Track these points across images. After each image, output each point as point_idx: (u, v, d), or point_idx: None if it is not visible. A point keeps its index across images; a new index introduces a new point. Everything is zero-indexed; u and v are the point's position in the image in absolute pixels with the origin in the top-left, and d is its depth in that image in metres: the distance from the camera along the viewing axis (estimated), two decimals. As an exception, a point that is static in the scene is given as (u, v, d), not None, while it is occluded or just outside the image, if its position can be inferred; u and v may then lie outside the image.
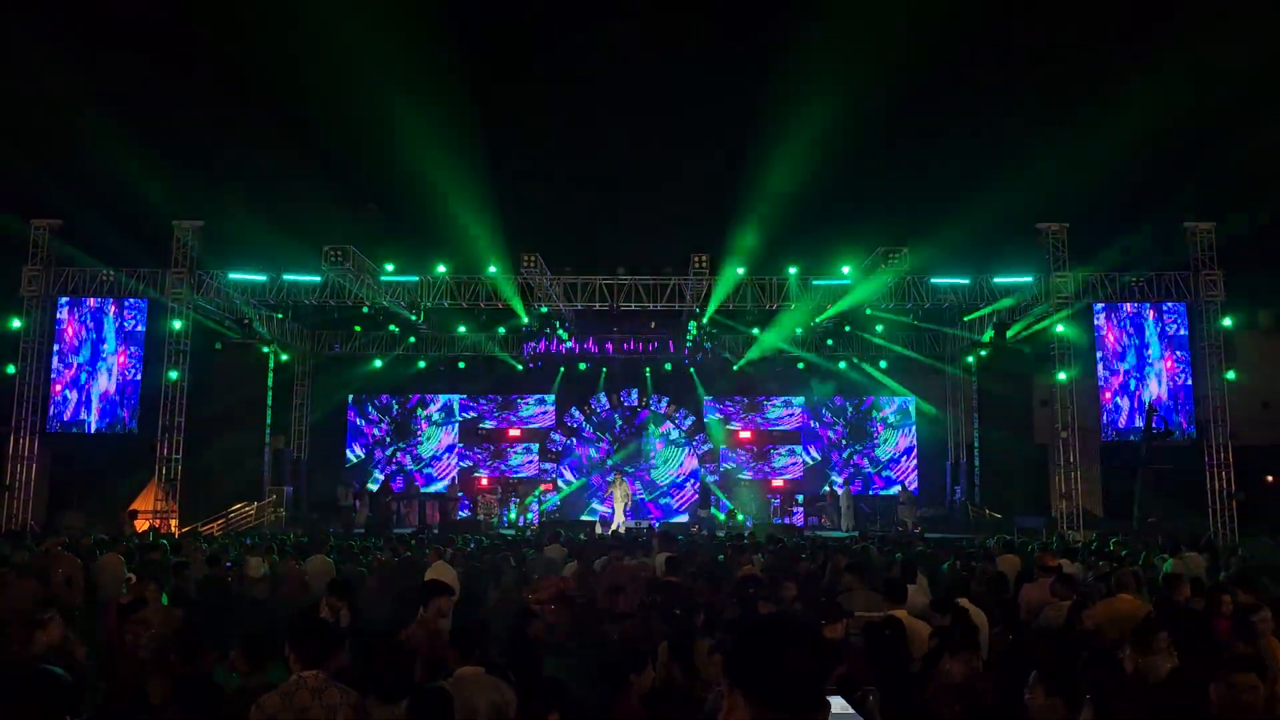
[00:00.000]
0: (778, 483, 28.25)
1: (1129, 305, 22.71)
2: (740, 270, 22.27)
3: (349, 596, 7.59)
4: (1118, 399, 22.63)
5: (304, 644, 4.55)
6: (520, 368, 27.73)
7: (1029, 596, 8.56)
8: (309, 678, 4.44)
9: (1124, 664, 5.66)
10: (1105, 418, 22.63)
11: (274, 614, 10.01)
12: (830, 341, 25.53)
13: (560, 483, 28.47)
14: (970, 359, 26.40)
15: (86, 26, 24.84)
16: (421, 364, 28.00)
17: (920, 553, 14.05)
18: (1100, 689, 4.96)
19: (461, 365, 28.01)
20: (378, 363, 28.14)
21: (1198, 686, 4.79)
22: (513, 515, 25.62)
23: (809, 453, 28.91)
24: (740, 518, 25.07)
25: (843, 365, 27.49)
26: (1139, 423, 21.65)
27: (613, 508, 23.92)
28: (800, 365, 27.71)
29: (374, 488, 26.91)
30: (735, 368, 27.53)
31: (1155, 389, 22.39)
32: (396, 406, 29.18)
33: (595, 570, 11.22)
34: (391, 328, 25.33)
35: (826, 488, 27.71)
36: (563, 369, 27.61)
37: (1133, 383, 22.57)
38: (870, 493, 28.19)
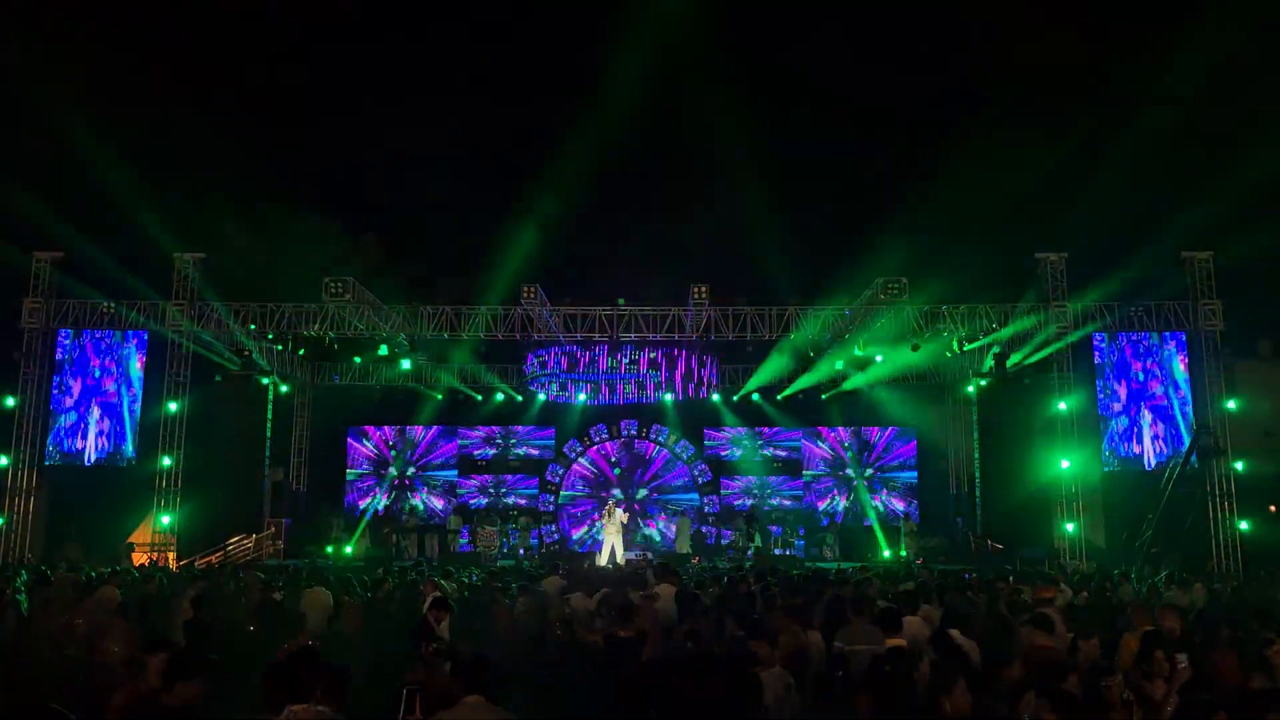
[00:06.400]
0: (778, 513, 28.11)
1: (1128, 334, 22.70)
2: (741, 300, 22.41)
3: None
4: (1118, 429, 22.56)
5: (294, 677, 4.52)
6: (520, 398, 27.78)
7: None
8: (299, 711, 4.40)
9: (1111, 690, 5.64)
10: (1106, 447, 22.55)
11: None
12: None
13: (559, 514, 28.38)
14: (971, 389, 26.35)
15: (89, 60, 25.09)
16: (420, 394, 27.95)
17: (924, 583, 13.92)
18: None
19: (461, 396, 28.00)
20: (377, 394, 28.14)
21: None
22: (512, 546, 25.46)
23: (810, 484, 28.80)
24: (740, 547, 24.90)
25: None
26: (1152, 450, 21.51)
27: (606, 538, 23.68)
28: (801, 395, 27.72)
29: (370, 519, 26.82)
30: (735, 398, 27.58)
31: (1154, 418, 22.35)
32: (395, 437, 29.12)
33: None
34: (402, 365, 25.03)
35: (826, 520, 27.59)
36: (562, 399, 27.57)
37: (1133, 412, 22.51)
38: (869, 524, 28.05)
